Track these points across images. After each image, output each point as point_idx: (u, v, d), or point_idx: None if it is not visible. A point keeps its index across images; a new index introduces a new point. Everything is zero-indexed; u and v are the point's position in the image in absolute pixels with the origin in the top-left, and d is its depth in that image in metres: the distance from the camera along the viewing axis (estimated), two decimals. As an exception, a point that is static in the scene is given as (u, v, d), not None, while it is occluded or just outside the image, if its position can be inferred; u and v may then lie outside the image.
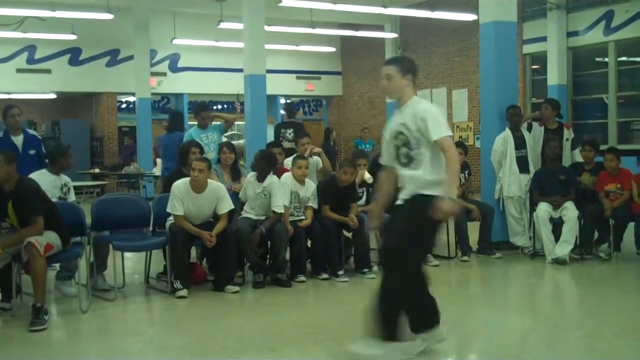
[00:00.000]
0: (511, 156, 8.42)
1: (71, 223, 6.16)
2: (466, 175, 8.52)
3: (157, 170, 16.15)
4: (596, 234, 8.25)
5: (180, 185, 6.71)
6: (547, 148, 8.33)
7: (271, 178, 7.06)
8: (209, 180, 6.76)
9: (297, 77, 22.54)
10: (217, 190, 6.80)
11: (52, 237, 5.78)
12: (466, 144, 9.63)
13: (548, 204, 7.98)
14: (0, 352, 5.00)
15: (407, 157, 4.46)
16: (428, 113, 4.40)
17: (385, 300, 4.35)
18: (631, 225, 8.00)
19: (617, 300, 6.53)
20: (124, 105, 21.48)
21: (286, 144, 10.01)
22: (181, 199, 6.62)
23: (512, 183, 8.43)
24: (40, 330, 5.35)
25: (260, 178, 7.07)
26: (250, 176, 7.23)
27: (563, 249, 7.79)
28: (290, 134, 11.11)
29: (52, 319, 5.73)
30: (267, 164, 7.17)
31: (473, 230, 8.31)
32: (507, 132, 8.49)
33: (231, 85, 18.26)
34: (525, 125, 8.77)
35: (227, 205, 6.78)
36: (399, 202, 4.53)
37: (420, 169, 4.41)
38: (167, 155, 9.24)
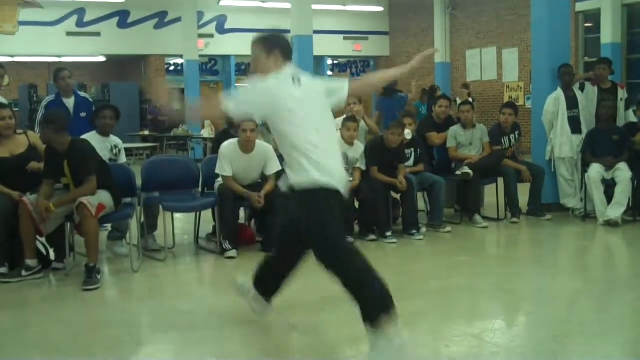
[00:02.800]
0: (563, 116, 8.26)
1: (122, 184, 6.25)
2: (516, 136, 8.39)
3: (205, 133, 16.26)
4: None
5: (229, 146, 6.74)
6: (601, 108, 8.16)
7: None
8: (257, 141, 6.78)
9: (345, 38, 22.37)
10: (266, 151, 6.81)
11: (104, 198, 5.88)
12: (516, 104, 9.47)
13: (600, 165, 7.83)
14: (55, 310, 5.13)
15: None
16: None
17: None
18: (686, 187, 7.82)
19: (671, 263, 6.42)
20: (172, 68, 21.60)
21: None
22: (230, 160, 6.66)
23: (563, 144, 8.29)
24: (93, 289, 5.47)
25: None
26: None
27: (615, 211, 7.65)
28: None
29: (104, 278, 5.84)
30: None
31: (523, 192, 8.21)
32: (559, 92, 8.32)
33: (278, 46, 18.18)
34: (577, 85, 8.58)
35: (275, 166, 6.78)
36: None
37: None
38: (388, 117, 9.38)
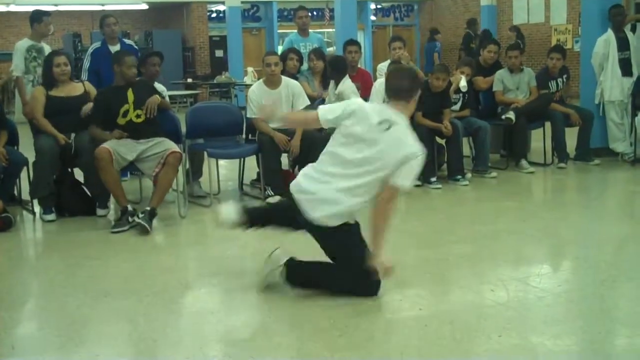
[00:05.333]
0: (613, 58, 8.05)
1: (167, 131, 6.29)
2: (564, 80, 8.21)
3: (248, 79, 16.22)
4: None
5: (255, 87, 6.88)
6: (653, 49, 7.94)
7: (343, 84, 6.98)
8: (283, 77, 6.82)
9: (388, -19, 22.02)
10: (293, 85, 6.85)
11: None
12: (564, 47, 9.24)
13: (652, 108, 7.65)
14: (103, 254, 5.22)
15: None
16: None
17: None
18: None
19: None
20: (214, 15, 21.50)
21: None
22: (258, 100, 6.71)
23: (614, 87, 8.09)
24: (146, 231, 5.56)
25: (335, 84, 7.04)
26: (332, 82, 7.20)
27: (666, 156, 7.49)
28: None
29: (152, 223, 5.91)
30: (335, 70, 7.09)
31: (570, 137, 8.07)
32: (610, 34, 8.09)
33: (321, -9, 17.99)
34: (628, 26, 8.34)
35: (303, 101, 6.82)
36: None
37: None
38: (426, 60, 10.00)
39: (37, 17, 7.65)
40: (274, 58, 6.75)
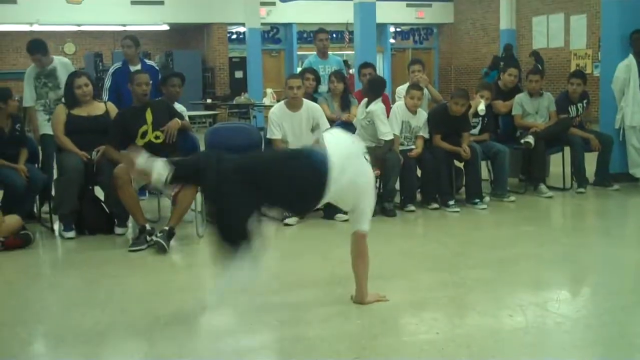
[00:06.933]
0: (635, 83, 8.01)
1: (187, 151, 6.31)
2: (584, 105, 8.18)
3: (267, 101, 16.29)
4: None
5: (276, 109, 6.93)
6: (674, 75, 7.89)
7: (375, 105, 6.99)
8: (304, 100, 6.89)
9: (407, 5, 22.08)
10: (314, 109, 6.89)
11: None
12: (584, 72, 9.23)
13: (672, 134, 7.60)
14: (121, 273, 5.23)
15: None
16: None
17: None
18: None
19: None
20: (234, 36, 21.67)
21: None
22: (278, 123, 6.78)
23: (635, 112, 8.04)
24: (163, 250, 5.57)
25: (367, 104, 7.04)
26: (363, 101, 7.19)
27: (687, 182, 7.42)
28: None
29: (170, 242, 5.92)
30: (373, 91, 7.09)
31: (590, 162, 8.02)
32: (631, 59, 8.07)
33: (340, 14, 18.04)
34: (649, 51, 8.31)
35: (323, 124, 6.84)
36: None
37: None
38: None
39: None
40: (297, 82, 6.78)
